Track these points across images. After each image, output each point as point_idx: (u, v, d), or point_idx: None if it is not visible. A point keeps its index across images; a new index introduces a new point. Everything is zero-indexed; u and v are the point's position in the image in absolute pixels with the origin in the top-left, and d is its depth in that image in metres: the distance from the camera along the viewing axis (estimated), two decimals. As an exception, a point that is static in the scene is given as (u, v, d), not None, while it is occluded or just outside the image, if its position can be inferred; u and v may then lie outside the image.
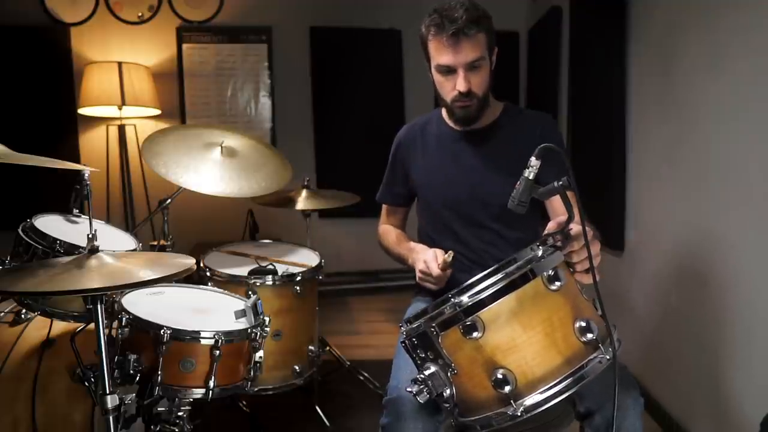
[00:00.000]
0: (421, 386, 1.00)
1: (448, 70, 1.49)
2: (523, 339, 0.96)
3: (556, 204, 1.56)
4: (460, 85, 1.48)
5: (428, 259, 1.44)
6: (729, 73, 1.89)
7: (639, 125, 2.54)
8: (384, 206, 1.88)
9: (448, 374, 1.00)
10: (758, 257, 1.76)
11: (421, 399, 1.00)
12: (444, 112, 1.67)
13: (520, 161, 1.52)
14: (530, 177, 1.05)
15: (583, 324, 0.98)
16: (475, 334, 0.96)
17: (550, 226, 1.09)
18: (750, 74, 1.78)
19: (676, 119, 2.22)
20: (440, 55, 1.47)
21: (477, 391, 0.99)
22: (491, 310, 0.96)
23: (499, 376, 0.95)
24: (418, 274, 1.49)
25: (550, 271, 0.98)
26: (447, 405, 1.02)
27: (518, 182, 1.07)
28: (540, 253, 1.00)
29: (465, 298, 0.97)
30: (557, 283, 0.98)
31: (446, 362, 0.99)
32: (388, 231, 1.83)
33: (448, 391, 1.00)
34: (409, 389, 1.02)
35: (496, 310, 0.96)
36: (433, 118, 1.72)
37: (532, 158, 1.06)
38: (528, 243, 1.60)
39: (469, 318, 0.96)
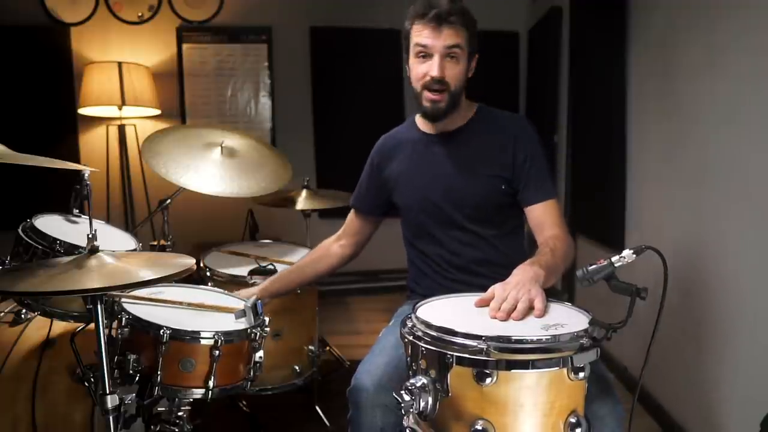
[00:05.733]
0: (412, 398, 1.01)
1: (425, 54, 1.49)
2: (520, 409, 0.98)
3: (538, 214, 1.51)
4: (434, 69, 1.47)
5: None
6: (729, 73, 1.89)
7: (639, 125, 2.54)
8: (351, 211, 1.81)
9: (438, 396, 1.01)
10: (758, 257, 1.76)
11: (404, 409, 1.01)
12: (417, 117, 1.67)
13: (493, 162, 1.55)
14: (616, 265, 1.04)
15: (573, 420, 1.00)
16: (482, 383, 0.97)
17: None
18: (750, 74, 1.78)
19: (676, 119, 2.22)
20: (420, 36, 1.49)
21: (452, 424, 1.00)
22: (512, 373, 0.97)
23: (479, 427, 0.97)
24: None
25: (580, 364, 0.99)
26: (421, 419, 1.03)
27: (602, 260, 1.04)
28: (585, 342, 0.99)
29: (495, 350, 0.96)
30: (581, 374, 1.00)
31: (443, 389, 1.00)
32: (311, 253, 1.88)
33: (428, 411, 1.01)
34: (395, 396, 1.02)
35: (516, 375, 0.97)
36: (407, 125, 1.72)
37: (629, 251, 1.04)
38: (505, 240, 1.60)
39: (490, 369, 0.96)
